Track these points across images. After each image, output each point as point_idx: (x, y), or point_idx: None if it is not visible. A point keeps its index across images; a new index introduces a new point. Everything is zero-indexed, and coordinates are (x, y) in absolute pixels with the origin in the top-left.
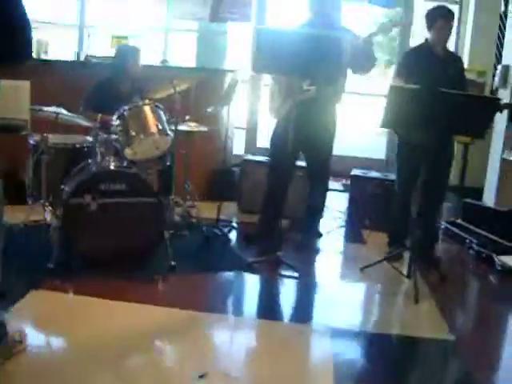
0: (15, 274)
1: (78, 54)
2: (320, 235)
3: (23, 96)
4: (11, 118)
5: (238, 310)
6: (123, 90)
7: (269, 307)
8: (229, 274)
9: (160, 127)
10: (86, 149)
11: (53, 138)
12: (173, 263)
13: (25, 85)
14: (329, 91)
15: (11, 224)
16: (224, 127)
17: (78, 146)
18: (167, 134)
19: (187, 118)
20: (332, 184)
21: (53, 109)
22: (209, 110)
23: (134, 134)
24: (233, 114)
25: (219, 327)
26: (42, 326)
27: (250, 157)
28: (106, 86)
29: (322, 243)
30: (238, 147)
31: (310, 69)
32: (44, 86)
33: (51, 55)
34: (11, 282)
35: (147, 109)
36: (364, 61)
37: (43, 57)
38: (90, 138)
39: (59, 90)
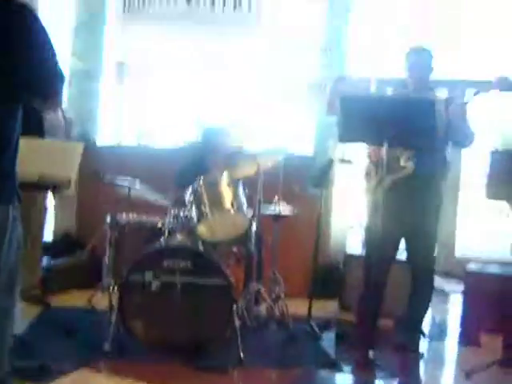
0: (68, 353)
1: None
2: (424, 336)
3: (73, 156)
4: (56, 175)
5: None
6: (211, 169)
7: None
8: (306, 371)
9: (236, 204)
10: (163, 228)
11: (129, 218)
12: (242, 355)
13: (78, 146)
14: (428, 165)
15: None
16: (320, 213)
17: (155, 224)
18: (244, 212)
19: (276, 198)
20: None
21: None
22: (296, 189)
23: (206, 209)
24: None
25: None
26: None
27: (353, 251)
28: (196, 164)
29: (427, 346)
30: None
31: (402, 137)
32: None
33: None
34: (61, 359)
35: (224, 184)
36: (463, 127)
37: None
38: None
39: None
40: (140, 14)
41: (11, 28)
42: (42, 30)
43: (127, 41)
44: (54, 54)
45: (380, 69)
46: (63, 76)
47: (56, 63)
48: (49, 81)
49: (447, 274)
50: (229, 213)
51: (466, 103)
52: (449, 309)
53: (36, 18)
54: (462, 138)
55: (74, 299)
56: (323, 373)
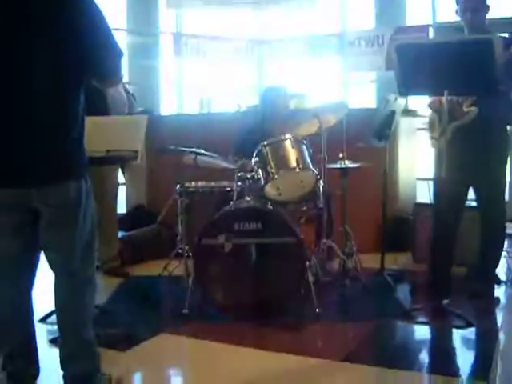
0: (148, 319)
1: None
2: (499, 282)
3: (139, 129)
4: (123, 149)
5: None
6: (272, 132)
7: (420, 358)
8: (381, 323)
9: (302, 162)
10: (231, 192)
11: (197, 185)
12: (318, 310)
13: (142, 119)
14: (492, 108)
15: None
16: (386, 165)
17: (224, 189)
18: (310, 170)
19: (340, 155)
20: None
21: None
22: (360, 144)
23: (273, 169)
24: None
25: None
26: (159, 367)
27: (422, 200)
28: (255, 131)
29: (503, 292)
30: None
31: (461, 83)
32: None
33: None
34: (143, 325)
35: (287, 143)
36: None
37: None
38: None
39: (214, 138)
40: None
41: (70, 11)
42: (98, 10)
43: (181, 12)
44: (110, 32)
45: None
46: (121, 52)
47: (114, 40)
48: (109, 59)
49: None
50: (295, 171)
51: None
52: None
53: (93, 1)
54: None
55: (152, 268)
56: (399, 323)
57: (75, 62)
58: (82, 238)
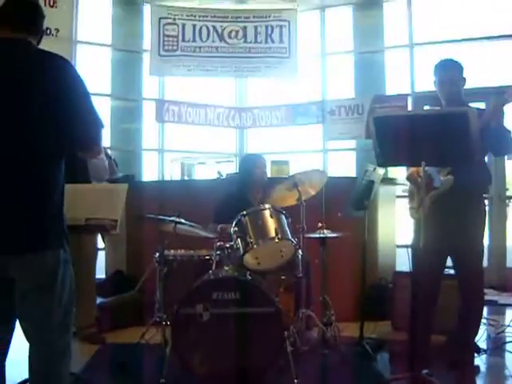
0: None
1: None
2: (479, 351)
3: (119, 198)
4: (102, 218)
5: None
6: (252, 200)
7: None
8: None
9: (280, 232)
10: (210, 261)
11: (176, 253)
12: (296, 381)
13: (122, 188)
14: (468, 177)
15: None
16: (365, 234)
17: (203, 257)
18: (289, 239)
19: (320, 225)
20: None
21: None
22: (339, 215)
23: (252, 239)
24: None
25: None
26: None
27: (402, 268)
28: (235, 198)
29: (483, 361)
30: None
31: (438, 154)
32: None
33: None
34: None
35: (266, 213)
36: (501, 135)
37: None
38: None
39: (195, 205)
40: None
41: (55, 82)
42: (82, 82)
43: (164, 78)
44: (92, 105)
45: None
46: (103, 125)
47: (95, 113)
48: (90, 131)
49: (500, 287)
50: (274, 241)
51: (502, 106)
52: (502, 321)
53: (76, 72)
54: (501, 146)
55: (129, 335)
56: None
57: (56, 133)
58: (59, 307)
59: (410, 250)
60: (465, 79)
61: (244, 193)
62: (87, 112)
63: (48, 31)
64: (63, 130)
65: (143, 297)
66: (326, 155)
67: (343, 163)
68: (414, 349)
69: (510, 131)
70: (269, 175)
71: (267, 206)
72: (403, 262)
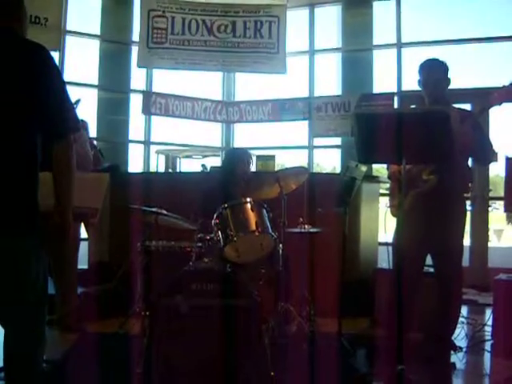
0: (102, 377)
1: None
2: (456, 348)
3: (100, 187)
4: (83, 206)
5: None
6: (234, 194)
7: None
8: None
9: (261, 225)
10: (191, 253)
11: (158, 244)
12: (272, 374)
13: (104, 177)
14: (450, 176)
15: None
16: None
17: (184, 249)
18: (269, 233)
19: (300, 220)
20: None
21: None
22: (319, 209)
23: (232, 232)
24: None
25: None
26: None
27: (382, 265)
28: (218, 192)
29: (459, 358)
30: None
31: (419, 153)
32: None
33: None
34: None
35: (248, 206)
36: (483, 144)
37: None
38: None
39: (179, 198)
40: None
41: (30, 68)
42: (58, 72)
43: (152, 70)
44: (67, 97)
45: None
46: (77, 119)
47: (68, 104)
48: (63, 118)
49: (481, 286)
50: (254, 234)
51: (487, 110)
52: (481, 321)
53: (52, 60)
54: (482, 156)
55: (109, 325)
56: None
57: (32, 118)
58: (33, 293)
59: (391, 247)
60: (449, 79)
61: (227, 186)
62: (61, 99)
63: (37, 20)
64: (37, 116)
65: (125, 287)
66: (311, 151)
67: (329, 160)
68: (392, 344)
69: (491, 143)
70: (254, 170)
71: (248, 199)
72: (385, 260)
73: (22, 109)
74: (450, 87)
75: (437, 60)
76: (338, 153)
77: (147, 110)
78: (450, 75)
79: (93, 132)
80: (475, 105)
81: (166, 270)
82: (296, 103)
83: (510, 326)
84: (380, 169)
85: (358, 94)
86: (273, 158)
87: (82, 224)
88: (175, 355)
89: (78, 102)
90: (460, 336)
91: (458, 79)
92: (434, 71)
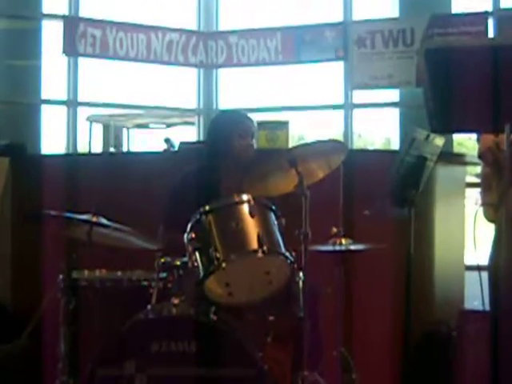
0: None
1: None
2: None
3: None
4: None
5: None
6: (224, 188)
7: None
8: None
9: (267, 241)
10: (150, 289)
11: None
12: None
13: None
14: None
15: None
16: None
17: (137, 283)
18: (281, 253)
19: (335, 229)
20: None
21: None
22: (367, 212)
23: (218, 252)
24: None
25: None
26: None
27: (474, 305)
28: (198, 185)
29: None
30: None
31: None
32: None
33: None
34: None
35: (243, 209)
36: None
37: None
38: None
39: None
40: None
41: None
42: None
43: None
44: None
45: None
46: None
47: None
48: None
49: None
50: (255, 256)
51: None
52: None
53: None
54: None
55: None
56: None
57: None
58: None
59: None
60: None
61: (210, 176)
62: None
63: None
64: None
65: (38, 349)
66: (349, 114)
67: (379, 128)
68: None
69: None
70: (255, 147)
71: (245, 196)
72: (477, 295)
73: None
74: None
75: None
76: (394, 116)
77: (72, 49)
78: None
79: None
80: None
81: (107, 320)
82: (323, 33)
83: None
84: (465, 142)
85: (428, 16)
86: (285, 125)
87: None
88: None
89: None
90: None
91: None
92: None
